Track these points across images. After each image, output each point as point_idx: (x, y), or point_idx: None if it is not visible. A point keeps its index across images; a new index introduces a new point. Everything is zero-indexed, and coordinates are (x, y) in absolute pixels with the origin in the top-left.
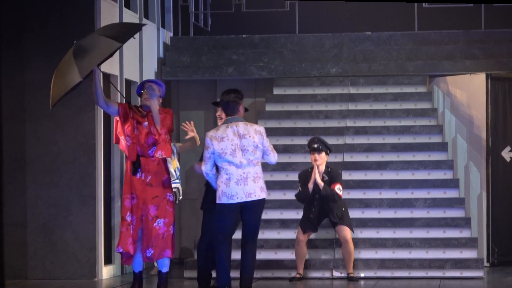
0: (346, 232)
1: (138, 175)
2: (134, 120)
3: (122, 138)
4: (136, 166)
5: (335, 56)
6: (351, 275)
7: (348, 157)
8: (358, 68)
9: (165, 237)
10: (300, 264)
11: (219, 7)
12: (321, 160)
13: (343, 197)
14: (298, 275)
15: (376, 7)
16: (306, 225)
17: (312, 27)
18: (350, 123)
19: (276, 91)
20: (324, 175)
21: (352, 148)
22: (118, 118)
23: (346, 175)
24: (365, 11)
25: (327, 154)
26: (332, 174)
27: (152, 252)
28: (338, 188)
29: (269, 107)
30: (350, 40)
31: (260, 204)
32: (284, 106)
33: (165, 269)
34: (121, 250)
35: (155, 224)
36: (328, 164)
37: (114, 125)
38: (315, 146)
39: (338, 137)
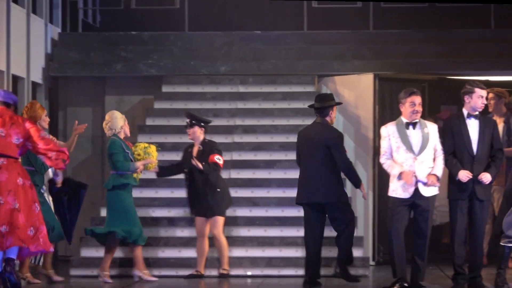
0: (213, 227)
1: None
2: None
3: None
4: None
5: (225, 54)
6: (223, 271)
7: (236, 156)
8: (247, 67)
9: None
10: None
11: (108, 4)
12: (193, 134)
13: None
14: (196, 272)
15: (266, 6)
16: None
17: (202, 25)
18: (239, 121)
19: (165, 89)
20: (200, 145)
21: (240, 147)
22: None
23: (234, 174)
24: (255, 10)
25: (200, 127)
26: (208, 145)
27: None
28: (217, 158)
29: (157, 105)
30: (240, 39)
31: None
32: (173, 104)
33: (12, 255)
34: None
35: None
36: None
37: None
38: (186, 122)
39: (227, 136)
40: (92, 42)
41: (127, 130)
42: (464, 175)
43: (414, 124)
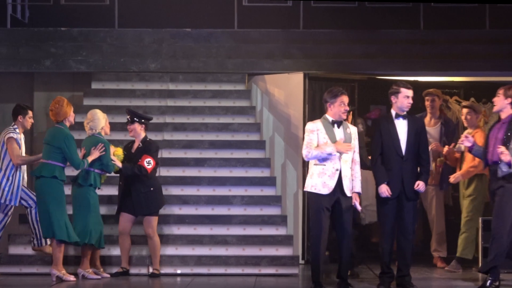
0: (148, 227)
1: None
2: None
3: None
4: None
5: (155, 51)
6: (155, 271)
7: (166, 154)
8: (177, 65)
9: None
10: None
11: None
12: (134, 131)
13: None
14: (122, 269)
15: (196, 4)
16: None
17: (132, 21)
18: (168, 119)
19: (95, 86)
20: (140, 143)
21: (170, 145)
22: None
23: (164, 171)
24: (185, 7)
25: (140, 124)
26: (147, 144)
27: None
28: (147, 161)
29: (87, 101)
30: (170, 36)
31: None
32: (102, 100)
33: None
34: None
35: None
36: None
37: None
38: (127, 118)
39: (157, 133)
40: (21, 37)
41: (107, 130)
42: (384, 191)
43: (339, 123)
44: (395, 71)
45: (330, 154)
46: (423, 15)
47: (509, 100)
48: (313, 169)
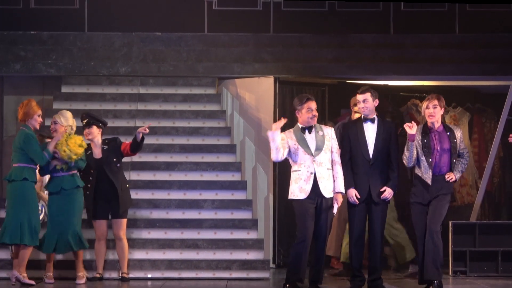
0: (119, 229)
1: None
2: None
3: None
4: None
5: (125, 55)
6: (124, 275)
7: (136, 157)
8: (148, 68)
9: None
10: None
11: (7, 3)
12: (91, 134)
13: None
14: (98, 275)
15: (166, 8)
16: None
17: (102, 25)
18: (139, 123)
19: (65, 89)
20: (103, 146)
21: None
22: None
23: (134, 175)
24: (155, 11)
25: (98, 127)
26: (111, 141)
27: None
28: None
29: (57, 105)
30: (140, 40)
31: None
32: (72, 104)
33: None
34: None
35: None
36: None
37: None
38: (83, 122)
39: (127, 137)
40: None
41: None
42: (352, 196)
43: (309, 128)
44: (365, 75)
45: (274, 138)
46: (393, 19)
47: (443, 110)
48: (291, 176)
